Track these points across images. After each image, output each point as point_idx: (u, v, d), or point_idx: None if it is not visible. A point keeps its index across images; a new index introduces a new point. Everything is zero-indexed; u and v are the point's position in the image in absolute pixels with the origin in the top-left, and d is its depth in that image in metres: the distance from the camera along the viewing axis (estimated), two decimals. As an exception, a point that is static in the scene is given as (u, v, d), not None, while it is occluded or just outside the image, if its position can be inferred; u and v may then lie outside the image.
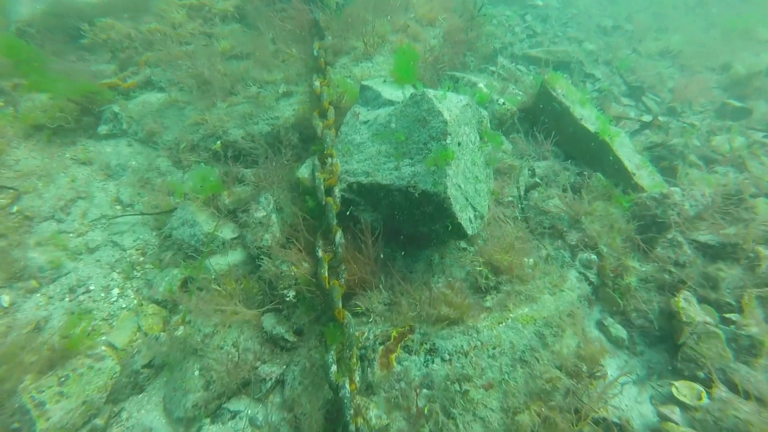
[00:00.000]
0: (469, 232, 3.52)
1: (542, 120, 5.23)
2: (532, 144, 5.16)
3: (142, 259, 4.11)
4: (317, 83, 4.77)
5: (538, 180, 4.76)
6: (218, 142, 4.72)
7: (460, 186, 3.49)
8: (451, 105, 3.68)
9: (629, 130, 5.70)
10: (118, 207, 4.46)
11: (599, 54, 8.00)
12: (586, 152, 4.93)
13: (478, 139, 3.95)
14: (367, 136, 4.07)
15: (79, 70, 5.41)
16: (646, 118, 6.27)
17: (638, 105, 6.62)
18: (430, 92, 3.73)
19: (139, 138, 4.99)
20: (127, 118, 5.04)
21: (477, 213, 3.69)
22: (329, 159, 3.99)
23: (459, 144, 3.57)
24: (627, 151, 4.77)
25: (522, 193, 4.68)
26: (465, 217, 3.50)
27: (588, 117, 4.94)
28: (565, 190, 4.64)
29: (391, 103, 4.22)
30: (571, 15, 10.20)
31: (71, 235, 4.14)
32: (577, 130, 4.91)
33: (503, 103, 5.26)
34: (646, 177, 4.59)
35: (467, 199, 3.58)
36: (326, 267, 3.53)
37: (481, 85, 5.50)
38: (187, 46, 5.59)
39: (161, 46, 5.43)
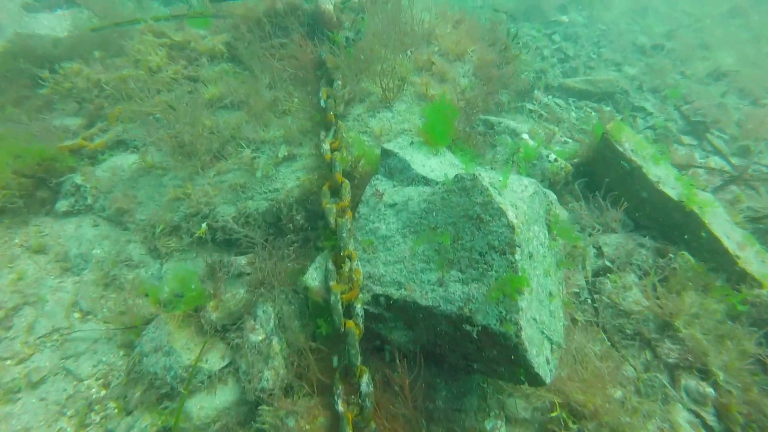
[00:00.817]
0: (548, 379, 2.51)
1: (602, 177, 4.23)
2: (593, 210, 4.16)
3: (103, 393, 3.12)
4: (326, 145, 3.79)
5: (608, 263, 3.75)
6: (203, 225, 3.74)
7: (534, 319, 2.48)
8: (515, 198, 2.69)
9: (711, 188, 4.68)
10: (76, 315, 3.49)
11: (643, 79, 6.99)
12: (664, 222, 3.92)
13: (547, 235, 2.95)
14: (395, 227, 3.08)
15: (39, 127, 4.47)
16: (715, 162, 5.25)
17: (702, 144, 5.60)
18: (484, 177, 2.74)
19: (106, 216, 4.01)
20: (92, 190, 4.07)
21: (554, 344, 2.68)
22: (347, 262, 3.01)
23: (530, 256, 2.57)
24: (723, 225, 3.76)
25: (590, 280, 3.68)
26: (541, 360, 2.49)
27: (665, 179, 3.93)
28: (644, 274, 3.64)
29: (425, 180, 3.23)
30: (600, 32, 9.21)
31: (9, 362, 3.16)
32: (652, 196, 3.91)
33: (554, 160, 4.26)
34: (755, 260, 3.57)
35: (543, 332, 2.57)
36: (350, 428, 2.53)
37: (525, 136, 4.50)
38: (168, 95, 4.63)
39: (136, 96, 4.47)
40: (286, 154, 3.96)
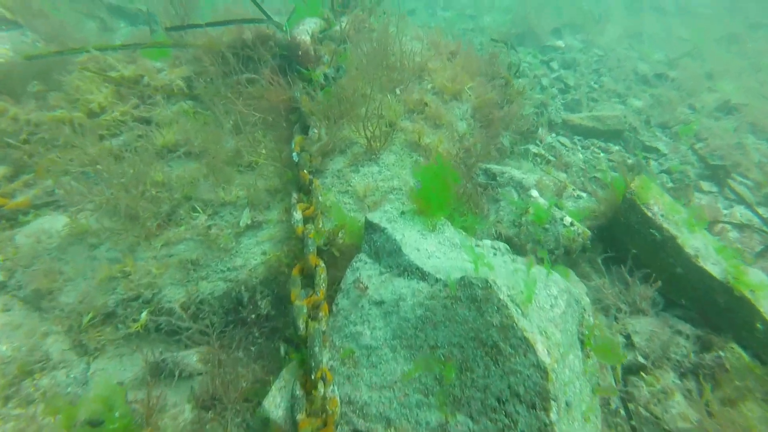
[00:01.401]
0: None
1: (626, 244, 3.60)
2: (615, 283, 3.52)
3: None
4: (298, 214, 3.08)
5: (641, 358, 3.10)
6: (143, 315, 2.98)
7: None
8: (543, 319, 2.01)
9: (752, 254, 4.08)
10: (-34, 444, 2.68)
11: (650, 113, 6.46)
12: (706, 304, 3.29)
13: (581, 356, 2.27)
14: (383, 335, 2.39)
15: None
16: (740, 213, 4.69)
17: (723, 191, 5.05)
18: (500, 285, 2.06)
19: (23, 297, 3.22)
20: (6, 262, 3.29)
21: None
22: (320, 386, 2.28)
23: (568, 406, 1.88)
24: (776, 312, 3.13)
25: (620, 381, 3.02)
26: None
27: (705, 252, 3.31)
28: (686, 372, 3.00)
29: (420, 273, 2.53)
30: (598, 58, 8.74)
31: None
32: (690, 273, 3.28)
33: (570, 224, 3.62)
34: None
35: None
36: None
37: (534, 193, 3.86)
38: (112, 141, 3.88)
39: (72, 143, 3.71)
40: (249, 222, 3.23)
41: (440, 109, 4.13)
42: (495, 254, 3.02)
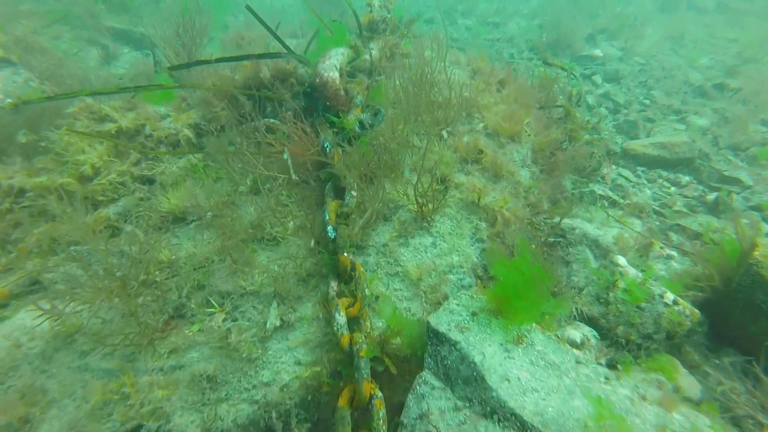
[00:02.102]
0: None
1: (744, 323, 2.87)
2: (737, 378, 2.78)
3: None
4: (341, 316, 2.41)
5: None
6: (146, 456, 2.33)
7: None
8: None
9: None
10: None
11: (718, 133, 5.67)
12: None
13: None
14: None
15: None
16: None
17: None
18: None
19: None
20: (-20, 377, 2.66)
21: None
22: None
23: None
24: None
25: None
26: None
27: None
28: None
29: (518, 422, 1.83)
30: (640, 67, 7.95)
31: None
32: None
33: (673, 302, 2.88)
34: None
35: None
36: None
37: (621, 260, 3.13)
38: (109, 208, 3.26)
39: (61, 216, 3.09)
40: (277, 324, 2.56)
41: (498, 156, 3.42)
42: (586, 353, 2.31)
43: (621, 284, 2.99)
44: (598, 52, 8.31)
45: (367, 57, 4.16)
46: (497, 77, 4.23)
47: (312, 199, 3.17)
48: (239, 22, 9.60)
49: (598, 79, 7.16)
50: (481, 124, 3.75)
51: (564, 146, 4.00)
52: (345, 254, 2.62)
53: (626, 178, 4.80)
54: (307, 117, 3.70)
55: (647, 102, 6.55)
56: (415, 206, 2.96)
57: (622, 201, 4.25)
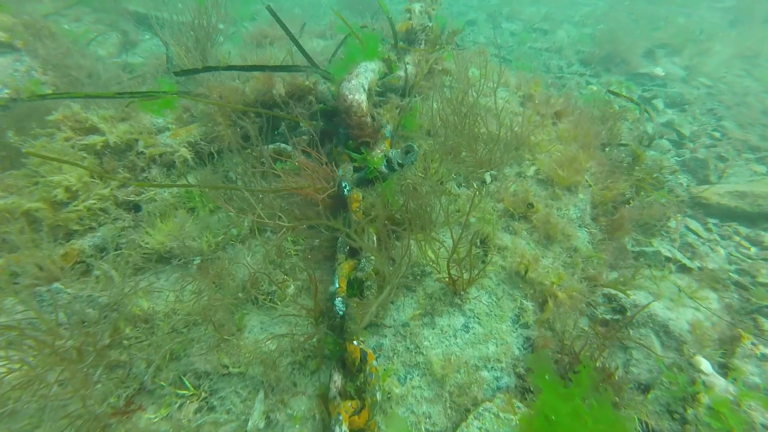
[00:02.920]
0: None
1: None
2: None
3: None
4: (342, 430, 1.83)
5: None
6: None
7: None
8: None
9: None
10: None
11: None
12: None
13: None
14: None
15: None
16: None
17: None
18: None
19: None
20: None
21: None
22: None
23: None
24: None
25: None
26: None
27: None
28: None
29: None
30: (706, 90, 7.07)
31: None
32: None
33: (775, 432, 2.20)
34: None
35: None
36: None
37: (705, 365, 2.47)
38: (84, 240, 2.76)
39: (24, 248, 2.61)
40: (261, 425, 2.01)
41: (551, 213, 2.78)
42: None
43: (704, 399, 2.33)
44: (658, 71, 7.44)
45: (402, 74, 3.54)
46: (553, 108, 3.55)
47: (321, 252, 2.60)
48: (266, 15, 9.05)
49: (659, 104, 6.34)
50: (533, 168, 3.10)
51: (629, 199, 3.31)
52: (353, 343, 2.05)
53: (695, 233, 4.06)
54: (324, 143, 3.13)
55: (717, 135, 5.72)
56: (446, 276, 2.36)
57: (693, 266, 3.53)
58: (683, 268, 3.57)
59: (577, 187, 3.05)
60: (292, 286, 2.41)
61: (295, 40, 3.29)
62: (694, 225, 4.17)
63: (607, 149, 3.70)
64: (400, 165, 2.67)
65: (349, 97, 2.89)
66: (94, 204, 2.82)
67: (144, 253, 2.68)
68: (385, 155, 2.69)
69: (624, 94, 4.27)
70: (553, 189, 2.99)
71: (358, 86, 2.95)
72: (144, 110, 3.36)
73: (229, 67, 3.14)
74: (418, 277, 2.46)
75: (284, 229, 2.52)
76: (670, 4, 11.04)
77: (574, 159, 3.02)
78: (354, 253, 2.52)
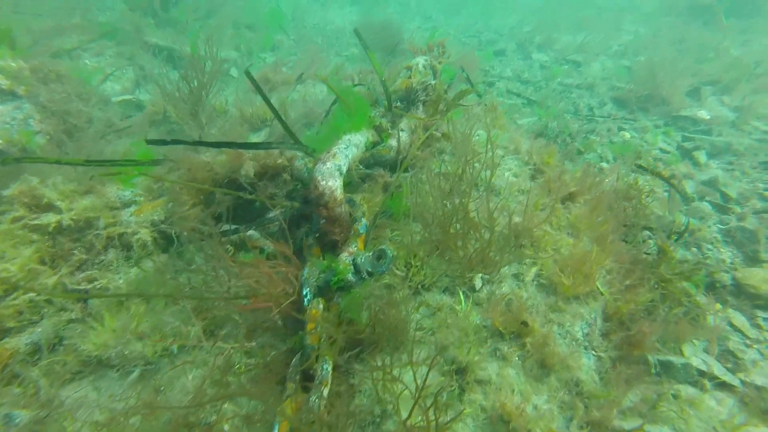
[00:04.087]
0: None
1: None
2: None
3: None
4: None
5: None
6: None
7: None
8: None
9: None
10: None
11: None
12: None
13: None
14: None
15: None
16: None
17: None
18: None
19: None
20: None
21: None
22: None
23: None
24: None
25: None
26: None
27: None
28: None
29: None
30: (760, 138, 6.29)
31: None
32: None
33: None
34: None
35: None
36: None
37: None
38: (22, 337, 2.52)
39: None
40: None
41: (551, 335, 2.30)
42: None
43: None
44: (702, 114, 6.72)
45: (394, 143, 3.17)
46: (567, 188, 3.07)
47: (273, 376, 2.24)
48: (288, 43, 8.95)
49: (701, 156, 5.65)
50: (534, 269, 2.63)
51: (653, 306, 2.77)
52: None
53: (740, 331, 3.43)
54: (301, 225, 2.79)
55: (774, 201, 5.00)
56: (413, 421, 1.93)
57: (736, 384, 2.92)
58: (723, 386, 2.98)
59: (587, 294, 2.56)
60: (227, 427, 2.05)
61: (273, 109, 2.99)
62: (738, 319, 3.54)
63: (629, 237, 3.16)
64: (370, 274, 2.28)
65: (321, 183, 2.54)
66: (37, 297, 2.58)
67: (81, 359, 2.41)
68: (353, 261, 2.31)
69: (654, 169, 3.69)
70: (556, 299, 2.52)
71: (333, 170, 2.60)
72: (115, 179, 3.14)
73: (197, 143, 2.86)
74: (376, 420, 2.05)
75: (229, 348, 2.18)
76: (729, 30, 10.14)
77: (584, 260, 2.54)
78: (307, 377, 2.15)
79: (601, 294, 2.58)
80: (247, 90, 5.34)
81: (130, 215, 2.92)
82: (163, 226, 2.83)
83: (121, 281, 2.71)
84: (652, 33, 10.73)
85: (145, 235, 2.81)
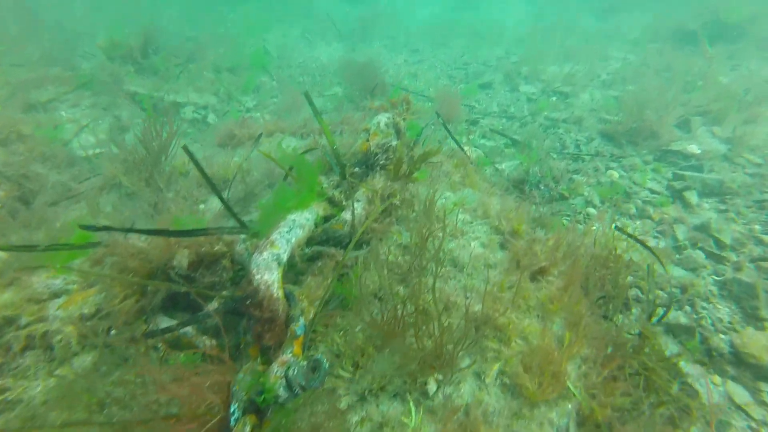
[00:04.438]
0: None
1: None
2: None
3: None
4: None
5: None
6: None
7: None
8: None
9: None
10: None
11: None
12: None
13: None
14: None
15: None
16: None
17: None
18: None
19: None
20: None
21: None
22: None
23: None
24: None
25: None
26: None
27: None
28: None
29: None
30: (754, 173, 6.03)
31: None
32: None
33: None
34: None
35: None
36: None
37: None
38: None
39: None
40: None
41: (513, 454, 1.99)
42: None
43: None
44: (693, 148, 6.48)
45: (347, 217, 2.93)
46: (538, 261, 2.80)
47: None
48: (270, 85, 8.87)
49: (692, 197, 5.37)
50: (496, 366, 2.34)
51: (635, 404, 2.46)
52: None
53: (743, 410, 3.09)
54: (240, 317, 2.52)
55: (768, 241, 4.70)
56: None
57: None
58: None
59: (558, 394, 2.25)
60: None
61: (213, 186, 2.76)
62: (739, 394, 3.20)
63: (609, 311, 2.87)
64: (303, 388, 2.00)
65: (256, 277, 2.29)
66: (-54, 409, 2.31)
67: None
68: (285, 374, 2.03)
69: (633, 235, 3.40)
70: (522, 402, 2.21)
71: (270, 261, 2.35)
72: (49, 263, 2.91)
73: (128, 230, 2.63)
74: None
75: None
76: (715, 58, 9.99)
77: (553, 357, 2.24)
78: None
79: (574, 395, 2.28)
80: (214, 143, 5.16)
81: (57, 308, 2.67)
82: (89, 323, 2.57)
83: (38, 389, 2.44)
84: (639, 60, 10.62)
85: (71, 333, 2.55)
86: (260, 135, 4.52)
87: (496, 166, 5.41)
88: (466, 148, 5.48)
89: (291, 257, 2.55)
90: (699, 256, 4.51)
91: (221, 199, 2.72)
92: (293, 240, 2.58)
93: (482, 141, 6.55)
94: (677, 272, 4.25)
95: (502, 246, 3.10)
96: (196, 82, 7.90)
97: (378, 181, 3.23)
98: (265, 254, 2.38)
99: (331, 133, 3.06)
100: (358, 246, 2.89)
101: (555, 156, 6.39)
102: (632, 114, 7.28)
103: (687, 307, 3.90)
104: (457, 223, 3.09)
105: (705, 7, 11.65)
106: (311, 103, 3.05)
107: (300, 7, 16.17)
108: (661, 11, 14.45)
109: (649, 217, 5.12)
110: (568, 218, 4.93)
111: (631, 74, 9.69)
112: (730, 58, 10.10)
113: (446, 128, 4.98)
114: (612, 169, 6.04)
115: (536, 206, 4.91)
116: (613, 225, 3.36)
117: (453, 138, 4.97)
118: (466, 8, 18.84)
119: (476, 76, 10.54)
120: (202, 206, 4.09)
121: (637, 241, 3.38)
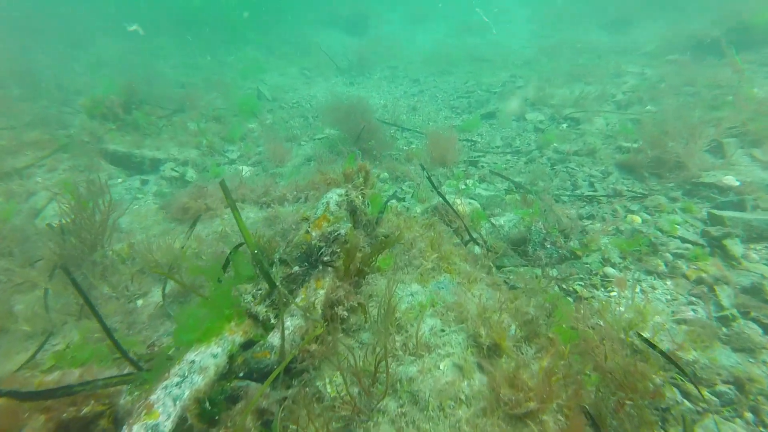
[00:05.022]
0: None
1: None
2: None
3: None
4: None
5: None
6: None
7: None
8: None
9: None
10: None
11: None
12: None
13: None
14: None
15: None
16: None
17: None
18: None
19: None
20: None
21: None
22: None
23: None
24: None
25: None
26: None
27: None
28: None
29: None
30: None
31: None
32: None
33: None
34: None
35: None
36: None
37: None
38: None
39: None
40: None
41: None
42: None
43: None
44: (730, 180, 5.56)
45: (275, 341, 2.25)
46: (524, 401, 2.03)
47: None
48: (258, 133, 8.39)
49: (734, 247, 4.44)
50: None
51: None
52: None
53: None
54: None
55: (840, 306, 3.73)
56: None
57: None
58: None
59: None
60: None
61: (96, 312, 2.14)
62: None
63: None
64: None
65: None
66: None
67: None
68: None
69: (663, 351, 2.56)
70: None
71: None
72: None
73: (14, 392, 2.03)
74: None
75: None
76: (744, 69, 9.00)
77: None
78: None
79: None
80: (172, 219, 4.62)
81: None
82: None
83: None
84: (658, 75, 9.72)
85: None
86: (199, 216, 3.94)
87: (493, 221, 4.66)
88: (458, 202, 4.76)
89: (183, 420, 1.88)
90: (753, 330, 3.60)
91: (113, 339, 2.09)
92: (187, 394, 1.91)
93: (481, 188, 5.81)
94: (726, 358, 3.35)
95: (481, 366, 2.35)
96: (179, 135, 7.50)
97: (322, 283, 2.55)
98: (136, 428, 1.72)
99: (254, 230, 2.42)
100: (296, 375, 2.20)
101: (566, 199, 5.58)
102: (654, 139, 6.42)
103: (748, 415, 2.99)
104: (422, 336, 2.38)
105: (727, 12, 10.71)
106: (228, 196, 2.42)
107: (299, 45, 16.02)
108: (674, 19, 13.55)
109: (683, 275, 4.23)
110: (582, 283, 4.10)
111: (650, 92, 8.82)
112: (763, 65, 9.09)
113: (431, 182, 4.30)
114: (633, 213, 5.18)
115: (543, 270, 4.12)
116: (635, 332, 2.55)
117: (440, 194, 4.28)
118: (468, 33, 18.34)
119: (480, 104, 9.87)
120: (140, 302, 3.50)
121: (663, 355, 2.54)
